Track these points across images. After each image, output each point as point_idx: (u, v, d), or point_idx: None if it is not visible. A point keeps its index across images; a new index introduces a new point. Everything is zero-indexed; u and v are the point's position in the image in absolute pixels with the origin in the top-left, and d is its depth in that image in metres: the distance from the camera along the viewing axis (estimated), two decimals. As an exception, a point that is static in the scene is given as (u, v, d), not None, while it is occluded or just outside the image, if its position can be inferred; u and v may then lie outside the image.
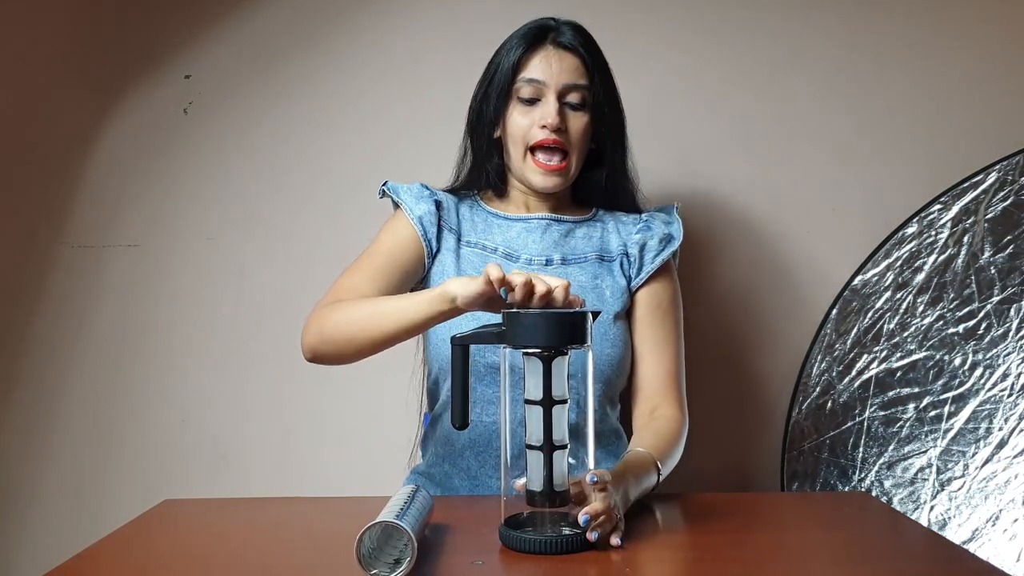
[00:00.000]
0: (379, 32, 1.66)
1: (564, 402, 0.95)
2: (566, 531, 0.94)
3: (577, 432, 1.01)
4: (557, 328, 0.93)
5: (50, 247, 1.67)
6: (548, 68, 1.22)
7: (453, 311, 1.04)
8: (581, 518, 0.91)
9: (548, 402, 0.93)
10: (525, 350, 0.94)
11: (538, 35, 1.24)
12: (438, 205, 1.28)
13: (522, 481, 0.96)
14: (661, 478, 1.11)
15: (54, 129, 1.67)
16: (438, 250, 1.27)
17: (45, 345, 1.68)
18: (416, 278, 1.28)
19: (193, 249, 1.68)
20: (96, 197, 1.67)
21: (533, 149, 1.23)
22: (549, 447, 0.93)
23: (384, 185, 1.31)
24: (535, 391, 0.94)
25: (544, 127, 1.21)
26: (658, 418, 1.21)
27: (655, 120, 1.65)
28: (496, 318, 0.97)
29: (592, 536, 0.92)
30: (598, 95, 1.24)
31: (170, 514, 1.12)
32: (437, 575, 0.87)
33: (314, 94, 1.67)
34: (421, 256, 1.26)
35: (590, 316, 0.95)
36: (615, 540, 0.94)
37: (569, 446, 0.95)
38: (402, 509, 0.89)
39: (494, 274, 0.96)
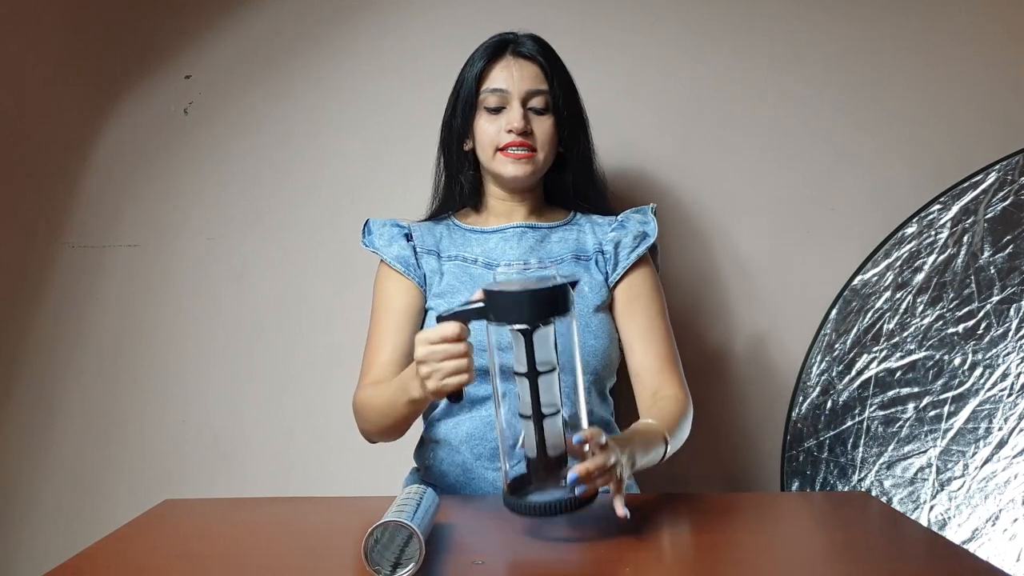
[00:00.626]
0: (378, 32, 1.67)
1: (552, 370, 0.95)
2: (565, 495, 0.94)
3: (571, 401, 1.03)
4: (535, 303, 0.93)
5: (50, 247, 1.67)
6: (510, 77, 1.27)
7: (426, 400, 1.08)
8: (569, 476, 0.92)
9: (533, 374, 0.94)
10: (508, 326, 0.95)
11: (498, 48, 1.30)
12: (409, 236, 1.33)
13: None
14: (669, 451, 1.13)
15: (54, 129, 1.67)
16: (424, 275, 1.31)
17: (45, 345, 1.68)
18: (422, 308, 1.32)
19: (193, 249, 1.68)
20: (96, 197, 1.67)
21: (502, 149, 1.28)
22: (539, 416, 0.94)
23: (364, 238, 1.34)
24: (520, 364, 0.95)
25: (511, 131, 1.26)
26: (661, 399, 1.24)
27: (655, 120, 1.65)
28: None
29: (578, 490, 0.92)
30: (559, 99, 1.29)
31: (170, 514, 1.12)
32: (437, 575, 0.87)
33: (314, 94, 1.67)
34: (417, 289, 1.30)
35: (569, 287, 0.96)
36: (621, 510, 0.94)
37: (562, 411, 0.96)
38: (414, 511, 0.89)
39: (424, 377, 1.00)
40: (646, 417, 1.19)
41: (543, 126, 1.28)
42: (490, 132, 1.28)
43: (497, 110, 1.28)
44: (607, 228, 1.34)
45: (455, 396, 1.01)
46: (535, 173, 1.30)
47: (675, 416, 1.20)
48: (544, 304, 0.94)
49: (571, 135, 1.32)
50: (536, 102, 1.28)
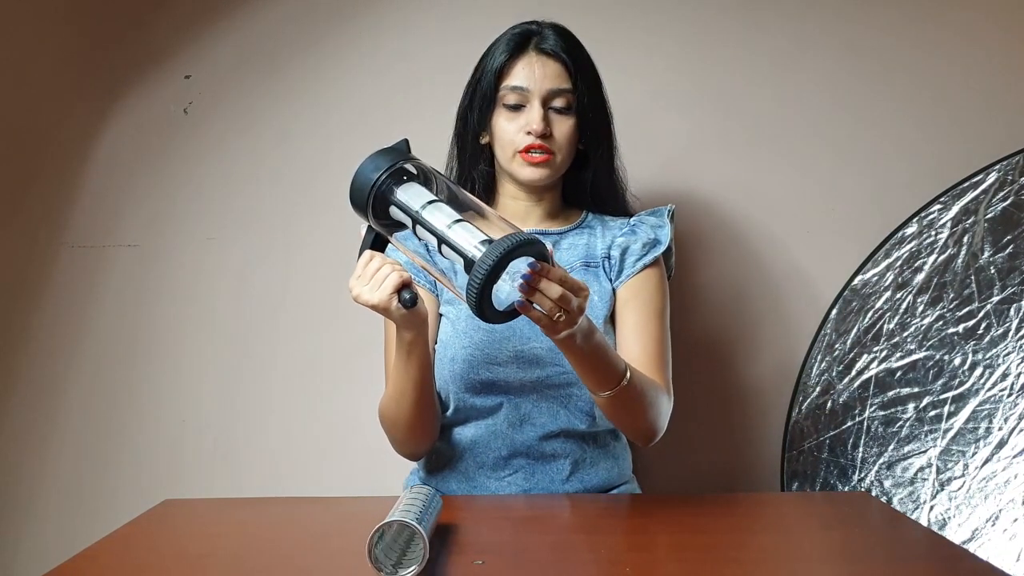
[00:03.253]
0: (378, 30, 1.66)
1: (431, 203, 1.03)
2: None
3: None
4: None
5: (50, 247, 1.67)
6: (531, 75, 1.23)
7: (401, 333, 1.12)
8: (528, 261, 0.93)
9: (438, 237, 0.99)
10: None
11: (521, 42, 1.25)
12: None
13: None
14: (624, 383, 1.10)
15: (54, 129, 1.67)
16: (435, 280, 1.28)
17: (45, 345, 1.68)
18: (437, 314, 1.30)
19: (193, 249, 1.68)
20: (96, 197, 1.67)
21: (521, 151, 1.24)
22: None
23: None
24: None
25: (529, 133, 1.22)
26: None
27: (655, 119, 1.65)
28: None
29: (518, 291, 0.93)
30: (583, 98, 1.24)
31: (170, 514, 1.12)
32: (437, 575, 0.87)
33: (314, 93, 1.67)
34: (429, 295, 1.28)
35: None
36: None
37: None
38: (419, 511, 0.88)
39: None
40: None
41: (563, 127, 1.24)
42: (509, 131, 1.23)
43: (516, 108, 1.23)
44: (617, 231, 1.31)
45: (406, 301, 1.03)
46: (552, 176, 1.26)
47: (650, 380, 1.18)
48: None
49: (593, 135, 1.27)
50: (558, 102, 1.23)
